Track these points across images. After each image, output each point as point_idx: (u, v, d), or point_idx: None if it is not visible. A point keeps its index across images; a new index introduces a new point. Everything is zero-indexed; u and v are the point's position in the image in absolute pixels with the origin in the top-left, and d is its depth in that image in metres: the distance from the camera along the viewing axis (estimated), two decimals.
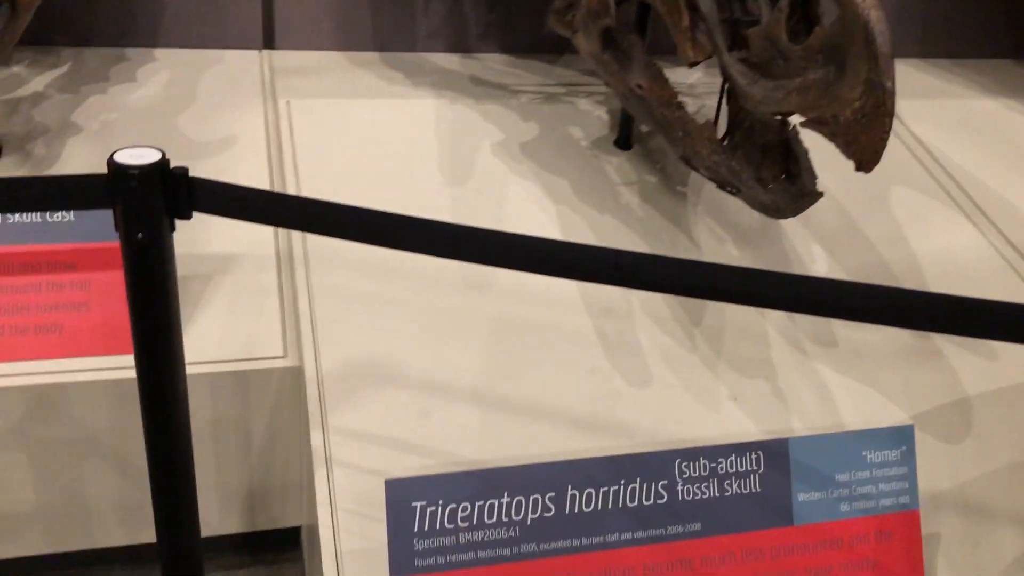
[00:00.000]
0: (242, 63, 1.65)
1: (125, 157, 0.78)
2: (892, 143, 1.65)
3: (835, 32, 0.94)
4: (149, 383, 0.87)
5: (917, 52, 2.03)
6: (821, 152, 1.58)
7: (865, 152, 0.93)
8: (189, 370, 1.15)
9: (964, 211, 1.53)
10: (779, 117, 1.08)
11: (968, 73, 1.96)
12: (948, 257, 1.44)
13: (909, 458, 0.95)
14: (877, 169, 1.58)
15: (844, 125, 0.93)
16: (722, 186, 1.20)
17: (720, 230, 1.41)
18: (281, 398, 1.19)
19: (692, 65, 1.14)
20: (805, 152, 1.13)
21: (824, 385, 1.20)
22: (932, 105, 1.80)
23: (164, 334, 0.85)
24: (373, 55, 1.74)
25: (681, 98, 1.22)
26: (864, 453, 0.93)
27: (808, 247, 1.41)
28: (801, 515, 0.91)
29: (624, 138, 1.51)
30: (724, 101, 1.21)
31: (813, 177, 1.09)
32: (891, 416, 1.17)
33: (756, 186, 1.09)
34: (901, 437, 0.94)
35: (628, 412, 1.13)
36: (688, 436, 1.05)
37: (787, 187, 1.09)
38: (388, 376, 1.13)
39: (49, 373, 1.12)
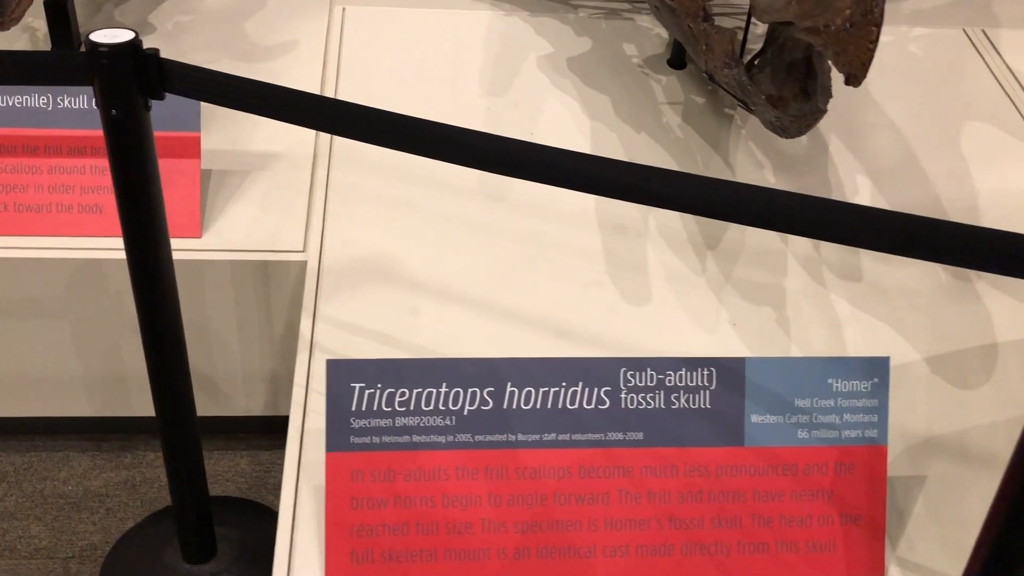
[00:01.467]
0: None
1: (100, 36, 0.84)
2: (981, 75, 1.53)
3: None
4: (135, 258, 0.94)
5: None
6: (892, 82, 1.49)
7: (853, 63, 0.88)
8: (213, 256, 1.23)
9: None
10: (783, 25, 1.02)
11: None
12: (1013, 199, 1.33)
13: (881, 391, 0.90)
14: (955, 99, 1.47)
15: (835, 34, 0.88)
16: (742, 103, 1.16)
17: (761, 155, 1.35)
18: (299, 289, 1.25)
19: None
20: (827, 71, 1.07)
21: (836, 318, 1.15)
22: None
23: (145, 209, 0.91)
24: None
25: (714, 9, 1.18)
26: (829, 381, 0.89)
27: (854, 178, 1.34)
28: (753, 437, 0.89)
29: (677, 57, 1.47)
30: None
31: (827, 97, 1.03)
32: (900, 354, 1.11)
33: (764, 104, 1.04)
34: (873, 369, 0.89)
35: (618, 327, 1.12)
36: (672, 355, 1.03)
37: (794, 106, 1.04)
38: (386, 273, 1.17)
39: (89, 249, 1.22)
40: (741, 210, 0.74)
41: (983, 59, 1.57)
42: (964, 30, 1.64)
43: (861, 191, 1.32)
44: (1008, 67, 1.55)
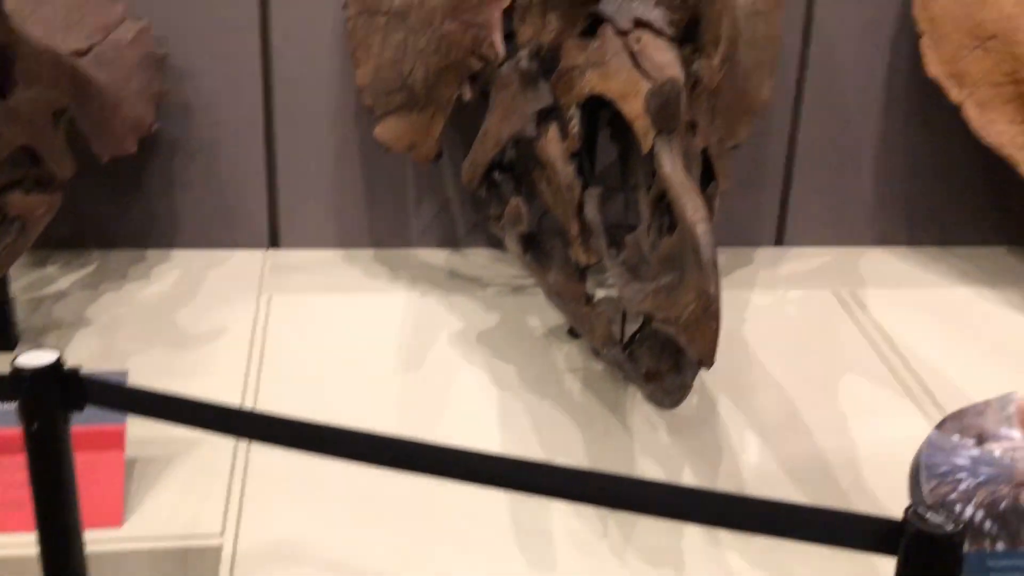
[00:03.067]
0: (247, 262, 1.85)
1: (25, 359, 0.93)
2: (852, 332, 1.69)
3: (675, 241, 1.03)
4: (48, 561, 0.98)
5: (906, 240, 2.08)
6: (772, 343, 1.63)
7: (701, 351, 1.00)
8: (133, 546, 1.26)
9: (916, 401, 1.54)
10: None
11: (953, 260, 1.99)
12: (890, 448, 1.44)
13: None
14: (830, 356, 1.62)
15: (684, 326, 1.00)
16: (625, 378, 1.27)
17: (656, 417, 1.46)
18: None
19: (586, 268, 1.24)
20: None
21: None
22: (904, 294, 1.83)
23: (60, 514, 0.97)
24: (369, 252, 1.91)
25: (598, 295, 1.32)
26: None
27: (743, 434, 1.44)
28: None
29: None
30: None
31: (695, 372, 1.15)
32: None
33: (641, 380, 1.16)
34: None
35: None
36: None
37: (666, 381, 1.16)
38: (301, 558, 1.21)
39: (9, 547, 1.25)
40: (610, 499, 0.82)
41: (853, 318, 1.74)
42: (834, 291, 1.82)
43: (750, 447, 1.42)
44: (875, 323, 1.72)
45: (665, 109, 1.08)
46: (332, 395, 1.46)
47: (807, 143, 2.00)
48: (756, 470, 1.38)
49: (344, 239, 1.92)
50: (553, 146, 1.26)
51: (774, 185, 2.03)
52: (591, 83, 1.20)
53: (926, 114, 1.96)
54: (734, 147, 1.73)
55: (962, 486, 0.81)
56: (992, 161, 1.76)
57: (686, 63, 1.28)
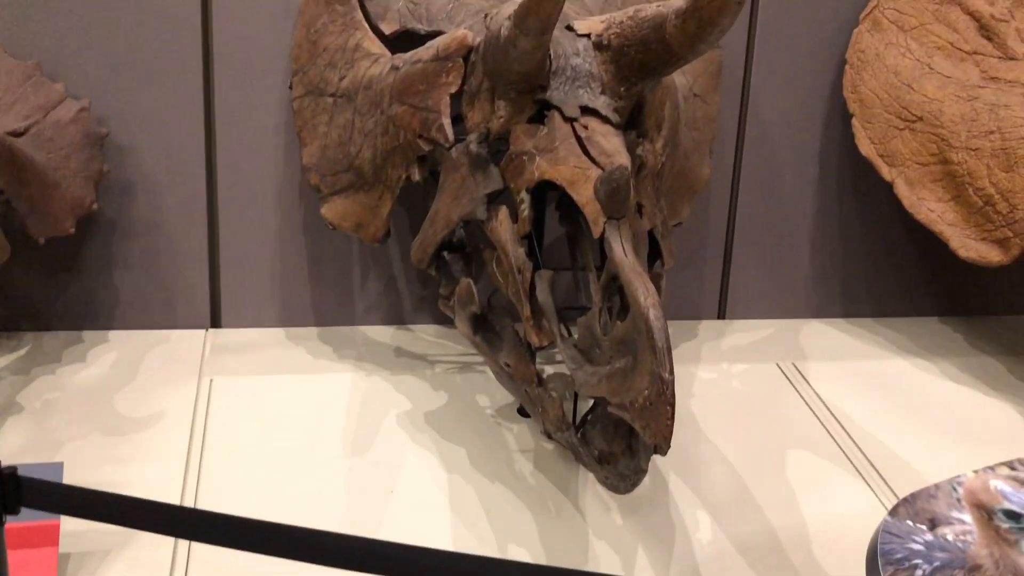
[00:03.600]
0: (187, 342, 1.81)
1: None
2: (795, 404, 1.72)
3: (628, 326, 1.04)
4: None
5: (842, 312, 2.12)
6: (719, 417, 1.65)
7: (656, 435, 1.00)
8: None
9: (861, 473, 1.56)
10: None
11: (887, 332, 2.04)
12: (840, 524, 1.45)
13: None
14: (776, 430, 1.63)
15: (639, 410, 1.01)
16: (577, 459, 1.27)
17: (607, 498, 1.45)
18: None
19: (539, 350, 1.24)
20: None
21: None
22: (842, 366, 1.87)
23: None
24: (313, 330, 1.89)
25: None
26: None
27: (694, 513, 1.44)
28: None
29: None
30: None
31: (649, 455, 1.15)
32: None
33: (594, 464, 1.15)
34: None
35: None
36: None
37: (620, 465, 1.15)
38: None
39: None
40: None
41: (796, 390, 1.77)
42: (777, 364, 1.85)
43: (702, 526, 1.42)
44: (818, 395, 1.75)
45: (615, 196, 1.09)
46: (276, 483, 1.42)
47: (746, 219, 2.05)
48: (710, 550, 1.37)
49: (288, 318, 1.90)
50: (504, 229, 1.27)
51: (715, 260, 2.07)
52: (541, 169, 1.21)
53: (860, 190, 2.03)
54: (677, 224, 1.76)
55: (918, 572, 0.82)
56: (924, 235, 1.82)
57: (631, 148, 1.30)
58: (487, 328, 1.38)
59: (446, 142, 1.37)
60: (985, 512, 0.86)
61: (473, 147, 1.32)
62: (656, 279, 1.38)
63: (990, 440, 1.65)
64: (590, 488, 1.47)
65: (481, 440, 1.54)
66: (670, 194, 1.68)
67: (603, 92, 1.27)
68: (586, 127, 1.23)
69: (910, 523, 0.87)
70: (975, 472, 0.91)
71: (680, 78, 1.70)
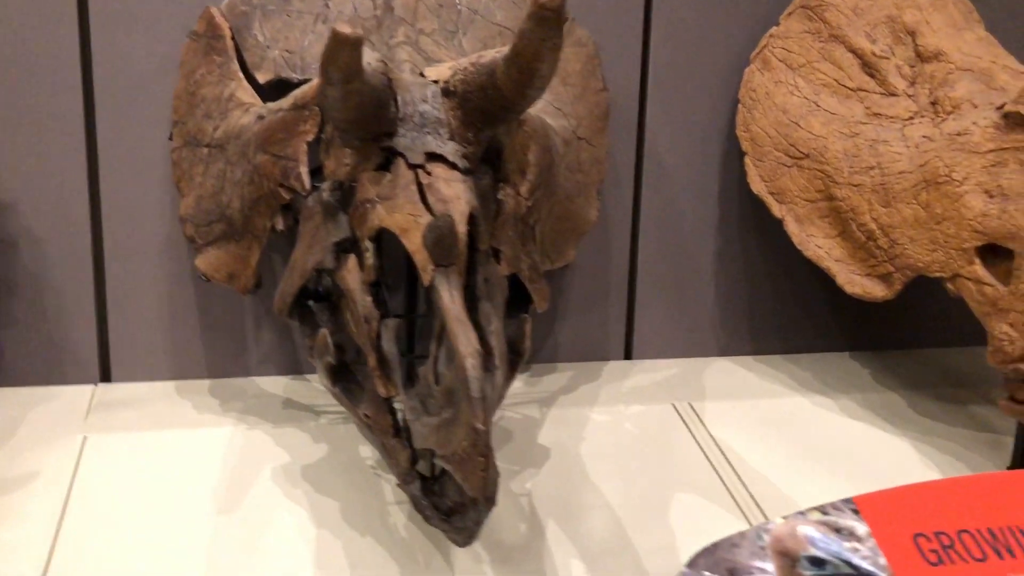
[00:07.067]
0: (74, 399, 1.77)
1: None
2: (688, 446, 1.69)
3: (452, 376, 1.02)
4: None
5: (750, 349, 2.11)
6: (606, 461, 1.62)
7: (473, 487, 0.98)
8: None
9: (746, 514, 1.53)
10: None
11: (794, 369, 2.03)
12: None
13: None
14: (663, 472, 1.61)
15: (458, 462, 0.98)
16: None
17: (480, 549, 1.42)
18: None
19: (386, 399, 1.22)
20: (497, 479, 1.18)
21: None
22: (742, 404, 1.86)
23: None
24: (205, 383, 1.86)
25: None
26: None
27: (568, 563, 1.41)
28: None
29: None
30: None
31: (478, 509, 1.12)
32: None
33: (436, 518, 1.13)
34: None
35: None
36: None
37: (471, 513, 1.13)
38: None
39: None
40: None
41: (690, 431, 1.75)
42: (673, 404, 1.83)
43: (575, 575, 1.39)
44: (711, 436, 1.73)
45: (440, 244, 1.08)
46: (136, 544, 1.38)
47: (648, 259, 2.04)
48: None
49: (180, 370, 1.87)
50: (352, 277, 1.26)
51: (620, 301, 2.06)
52: (379, 216, 1.20)
53: (761, 228, 2.03)
54: (564, 266, 1.75)
55: None
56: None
57: (486, 193, 1.30)
58: (348, 379, 1.35)
59: (303, 190, 1.36)
60: (789, 560, 0.84)
61: (325, 195, 1.30)
62: (522, 324, 1.37)
63: (882, 475, 1.63)
64: None
65: (357, 493, 1.51)
66: (554, 236, 1.68)
67: (452, 138, 1.26)
68: (430, 173, 1.22)
69: (707, 574, 0.85)
70: (784, 518, 0.89)
71: (562, 120, 1.71)
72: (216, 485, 1.51)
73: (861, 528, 0.87)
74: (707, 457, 1.67)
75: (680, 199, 2.03)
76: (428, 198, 1.18)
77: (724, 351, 2.10)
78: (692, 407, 1.82)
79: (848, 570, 0.83)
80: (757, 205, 1.95)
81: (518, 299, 1.45)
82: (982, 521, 0.89)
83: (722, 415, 1.80)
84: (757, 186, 1.87)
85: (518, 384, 1.92)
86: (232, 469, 1.56)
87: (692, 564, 0.86)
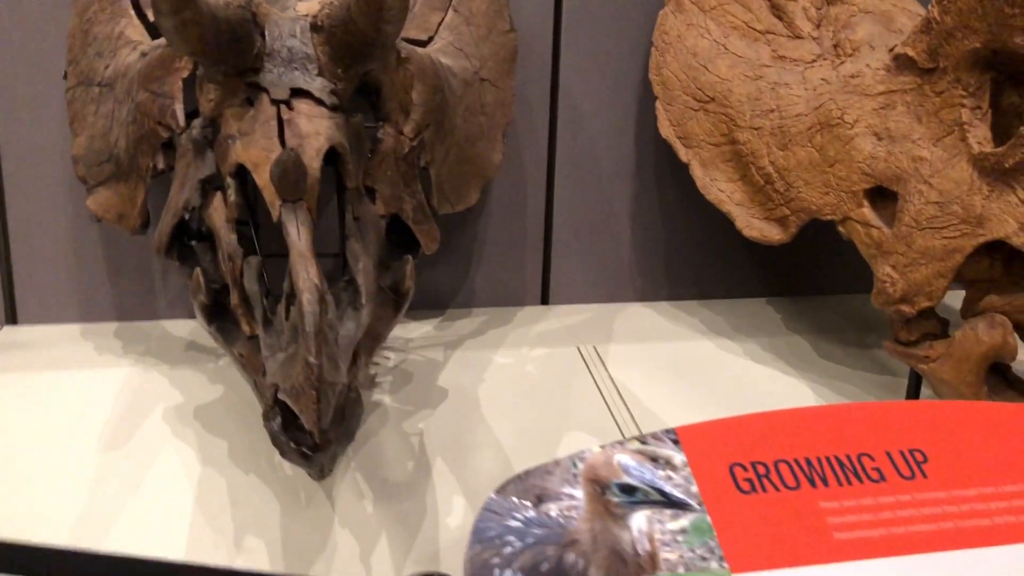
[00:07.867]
0: None
1: None
2: (587, 388, 1.71)
3: (295, 311, 1.02)
4: None
5: (667, 295, 2.12)
6: (502, 401, 1.63)
7: (308, 419, 0.99)
8: None
9: None
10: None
11: (707, 314, 2.04)
12: None
13: None
14: (557, 412, 1.62)
15: (295, 394, 0.99)
16: None
17: (365, 485, 1.43)
18: None
19: (251, 337, 1.22)
20: (358, 415, 1.19)
21: None
22: (645, 348, 1.87)
23: None
24: (112, 325, 1.85)
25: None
26: None
27: (450, 499, 1.42)
28: None
29: None
30: None
31: (332, 444, 1.13)
32: None
33: (291, 452, 1.13)
34: None
35: None
36: None
37: (313, 454, 1.13)
38: None
39: None
40: None
41: (590, 372, 1.76)
42: (578, 348, 1.84)
43: (454, 511, 1.40)
44: (611, 377, 1.74)
45: (284, 178, 1.07)
46: (21, 481, 1.39)
47: (564, 204, 2.04)
48: (457, 534, 1.36)
49: (87, 313, 1.87)
50: (218, 215, 1.25)
51: (536, 246, 2.06)
52: (236, 152, 1.19)
53: (678, 173, 2.02)
54: (481, 212, 1.75)
55: (507, 550, 0.80)
56: None
57: (357, 130, 1.28)
58: (224, 318, 1.35)
59: (177, 128, 1.34)
60: (600, 487, 0.85)
61: (195, 132, 1.29)
62: (403, 265, 1.37)
63: None
64: (348, 476, 1.45)
65: (246, 433, 1.52)
66: (454, 180, 1.67)
67: (320, 74, 1.25)
68: (293, 109, 1.20)
69: (515, 500, 0.86)
70: (601, 447, 0.90)
71: (463, 61, 1.69)
72: (106, 424, 1.52)
73: (678, 457, 0.88)
74: (603, 397, 1.69)
75: (596, 144, 2.02)
76: (285, 133, 1.17)
77: (641, 296, 2.11)
78: (596, 350, 1.83)
79: (658, 497, 0.84)
80: (673, 151, 1.94)
81: (411, 241, 1.45)
82: (800, 451, 0.90)
83: (625, 358, 1.81)
84: (666, 130, 1.86)
85: (428, 328, 1.93)
86: (125, 409, 1.56)
87: (501, 490, 0.87)
